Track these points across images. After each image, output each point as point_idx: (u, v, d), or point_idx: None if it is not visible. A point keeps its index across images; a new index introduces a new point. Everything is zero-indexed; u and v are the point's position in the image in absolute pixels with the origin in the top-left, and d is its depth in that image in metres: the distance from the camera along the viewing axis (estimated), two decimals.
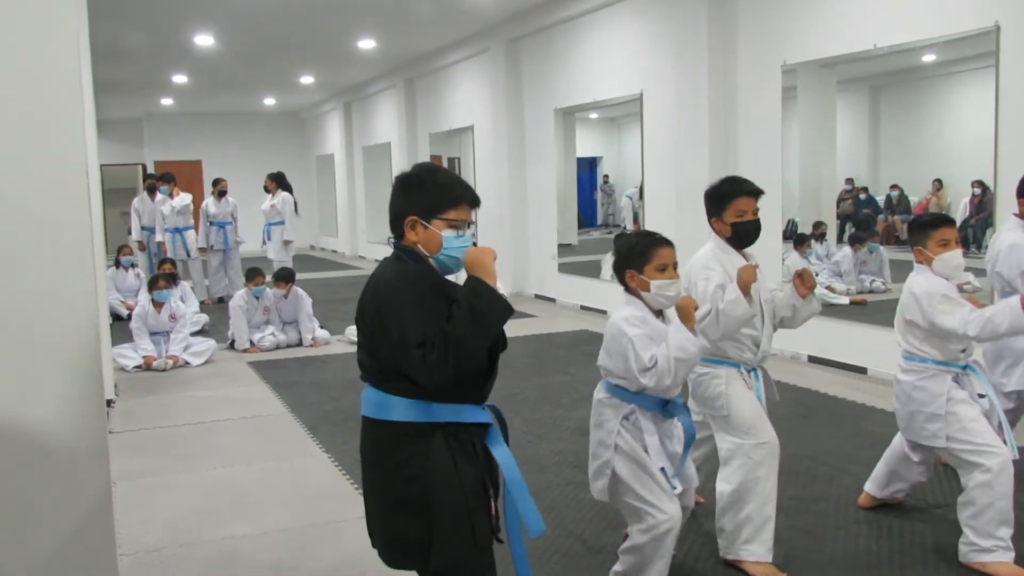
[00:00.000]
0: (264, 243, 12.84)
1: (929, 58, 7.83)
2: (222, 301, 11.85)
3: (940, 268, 3.78)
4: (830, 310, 8.08)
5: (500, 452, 2.53)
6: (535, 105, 12.24)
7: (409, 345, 2.36)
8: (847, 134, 9.75)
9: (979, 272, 5.24)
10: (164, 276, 9.15)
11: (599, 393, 3.41)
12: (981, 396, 3.98)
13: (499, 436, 2.56)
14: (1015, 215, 4.67)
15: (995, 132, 6.17)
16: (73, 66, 2.44)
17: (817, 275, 8.69)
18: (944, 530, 4.04)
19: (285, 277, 9.35)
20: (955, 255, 3.77)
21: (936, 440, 3.78)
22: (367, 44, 13.69)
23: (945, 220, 3.85)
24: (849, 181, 9.88)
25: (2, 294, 2.36)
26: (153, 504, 4.79)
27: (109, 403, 6.65)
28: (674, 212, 8.98)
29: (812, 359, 7.75)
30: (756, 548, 3.65)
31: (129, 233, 13.13)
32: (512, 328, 8.88)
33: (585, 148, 14.40)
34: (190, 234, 12.53)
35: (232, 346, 9.11)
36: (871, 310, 7.94)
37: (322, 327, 9.59)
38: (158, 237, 12.51)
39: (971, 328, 3.61)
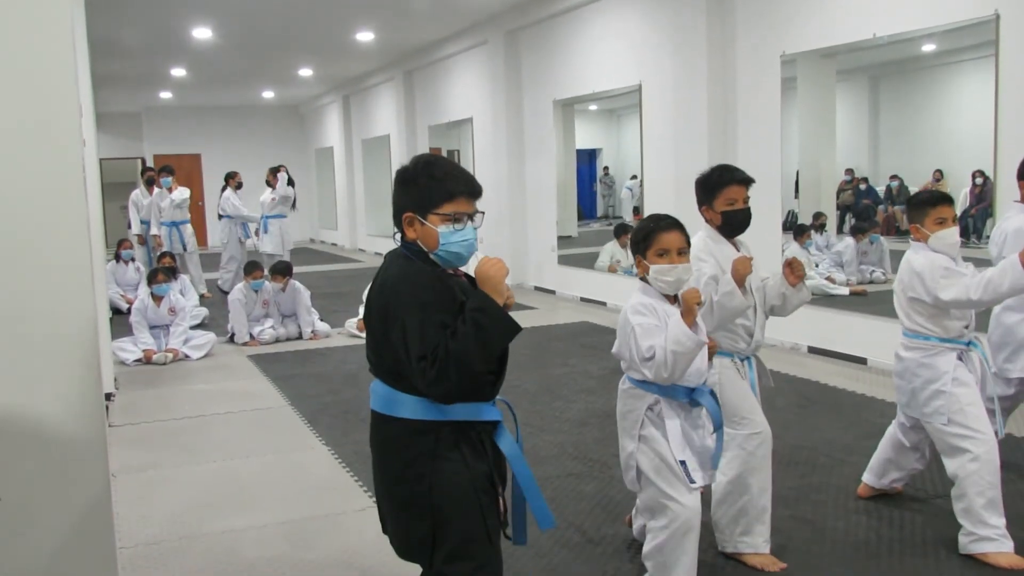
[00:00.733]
0: (259, 236, 12.86)
1: (929, 48, 7.81)
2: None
3: (936, 245, 3.77)
4: (830, 301, 8.08)
5: (509, 448, 2.50)
6: (534, 97, 12.22)
7: (411, 357, 2.34)
8: (847, 124, 9.73)
9: (980, 262, 5.23)
10: (163, 270, 9.14)
11: (624, 384, 3.36)
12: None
13: (506, 431, 2.53)
14: (1016, 201, 4.66)
15: (995, 122, 6.16)
16: (69, 60, 2.44)
17: (817, 266, 8.70)
18: (943, 520, 4.04)
19: (282, 270, 9.34)
20: (952, 232, 3.77)
21: (938, 417, 3.77)
22: (365, 36, 13.66)
23: (943, 198, 3.85)
24: (849, 172, 9.86)
25: (1, 288, 2.36)
26: (153, 497, 4.79)
27: (109, 396, 6.65)
28: (673, 203, 8.96)
29: (812, 350, 7.75)
30: (753, 539, 3.66)
31: (128, 227, 13.12)
32: None
33: (584, 140, 14.38)
34: (187, 228, 12.51)
35: (232, 339, 9.11)
36: (871, 301, 7.94)
37: (322, 319, 9.59)
38: (153, 230, 12.50)
39: (974, 292, 3.60)
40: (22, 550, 2.42)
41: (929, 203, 3.82)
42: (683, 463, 3.18)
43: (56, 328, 2.44)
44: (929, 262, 3.73)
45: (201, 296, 11.83)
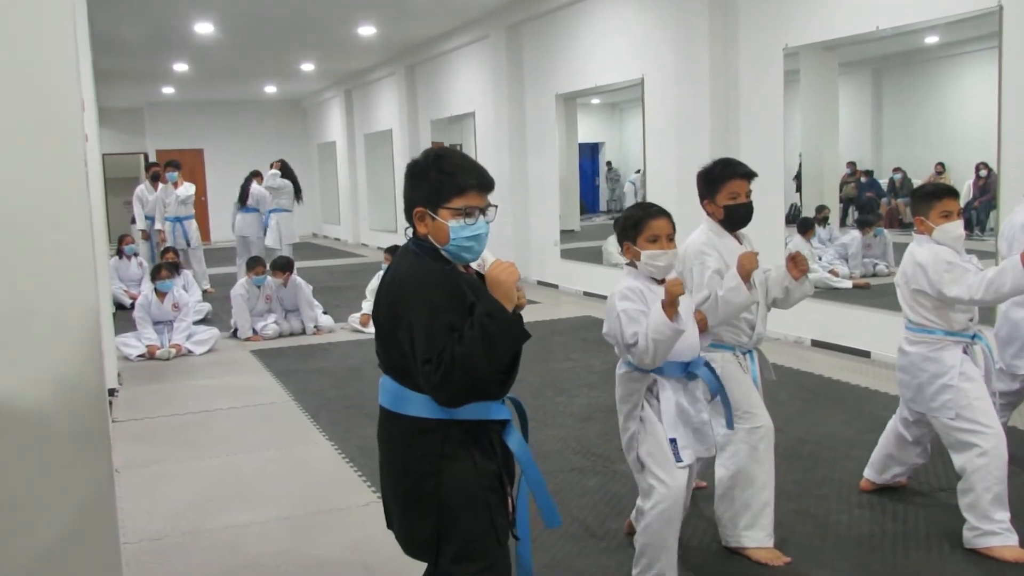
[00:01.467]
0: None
1: (932, 40, 7.79)
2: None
3: (941, 238, 3.76)
4: (833, 294, 8.07)
5: (518, 446, 2.48)
6: (536, 91, 12.20)
7: (416, 358, 2.32)
8: (849, 117, 9.71)
9: (983, 255, 5.23)
10: (167, 265, 9.14)
11: (620, 368, 3.40)
12: None
13: (515, 430, 2.50)
14: None
15: (998, 114, 6.14)
16: (71, 55, 2.43)
17: (820, 259, 8.69)
18: (947, 514, 4.04)
19: (282, 266, 9.31)
20: (956, 226, 3.75)
21: (946, 412, 3.76)
22: (367, 31, 13.64)
23: (948, 191, 3.83)
24: (851, 165, 9.85)
25: (2, 284, 2.36)
26: (156, 492, 4.80)
27: (113, 392, 6.66)
28: (675, 197, 8.94)
29: (815, 343, 7.74)
30: (756, 534, 3.66)
31: (133, 222, 13.11)
32: None
33: (587, 134, 14.36)
34: (191, 223, 12.51)
35: (235, 335, 9.12)
36: (874, 294, 7.93)
37: (325, 312, 9.60)
38: (157, 225, 12.50)
39: (975, 292, 3.59)
40: (26, 546, 2.42)
41: (935, 196, 3.81)
42: (673, 441, 3.24)
43: (59, 323, 2.44)
44: (933, 255, 3.72)
45: (204, 291, 11.84)
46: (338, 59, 16.91)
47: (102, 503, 2.54)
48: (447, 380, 2.28)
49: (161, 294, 8.61)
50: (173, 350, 8.37)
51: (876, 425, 5.01)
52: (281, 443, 5.65)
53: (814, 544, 3.83)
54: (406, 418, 2.43)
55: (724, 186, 3.68)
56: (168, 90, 20.07)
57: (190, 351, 8.49)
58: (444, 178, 2.42)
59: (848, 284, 8.30)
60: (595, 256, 11.36)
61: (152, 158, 21.41)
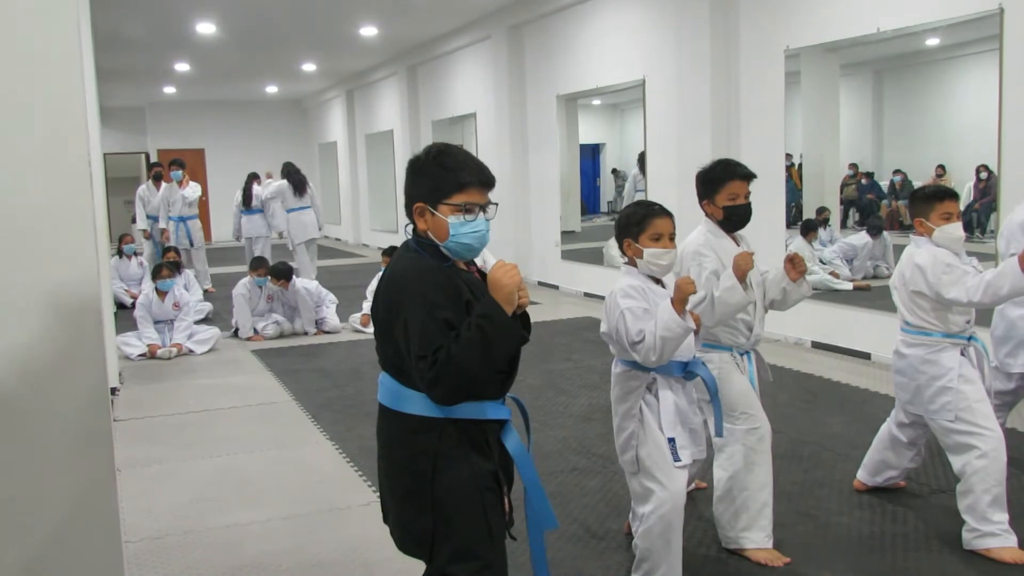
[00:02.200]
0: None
1: (933, 42, 7.80)
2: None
3: (941, 240, 3.77)
4: (834, 296, 8.08)
5: (515, 448, 2.47)
6: (537, 92, 12.21)
7: (411, 355, 2.33)
8: (850, 119, 9.72)
9: (984, 257, 5.23)
10: (168, 265, 9.15)
11: (617, 368, 3.40)
12: None
13: (513, 431, 2.49)
14: None
15: (999, 116, 6.14)
16: (74, 54, 2.44)
17: (821, 261, 8.69)
18: (946, 515, 4.05)
19: (280, 273, 9.19)
20: (956, 227, 3.76)
21: (945, 414, 3.76)
22: (369, 31, 13.65)
23: (949, 193, 3.83)
24: (852, 166, 9.86)
25: (4, 282, 2.37)
26: (157, 491, 4.81)
27: (114, 391, 6.67)
28: (676, 198, 8.95)
29: (815, 344, 7.75)
30: (755, 535, 3.67)
31: (133, 222, 13.14)
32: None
33: (588, 135, 14.37)
34: (195, 223, 12.53)
35: (236, 334, 9.12)
36: (875, 295, 7.93)
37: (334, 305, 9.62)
38: (161, 224, 12.52)
39: (974, 294, 3.59)
40: (28, 544, 2.43)
41: (935, 197, 3.81)
42: (672, 440, 3.24)
43: (61, 322, 2.44)
44: (932, 257, 3.72)
45: (205, 291, 11.85)
46: (340, 59, 16.92)
47: (103, 502, 2.54)
48: (442, 378, 2.28)
49: (162, 293, 8.62)
50: (174, 349, 8.38)
51: (876, 426, 5.01)
52: (282, 443, 5.66)
53: (814, 545, 3.84)
54: (403, 415, 2.43)
55: (724, 187, 3.69)
56: (170, 90, 20.08)
57: (191, 350, 8.49)
58: (445, 174, 2.41)
59: (848, 286, 8.30)
60: (596, 257, 11.37)
61: (153, 158, 21.44)
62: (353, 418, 6.04)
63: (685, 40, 8.85)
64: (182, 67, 16.62)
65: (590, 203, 15.29)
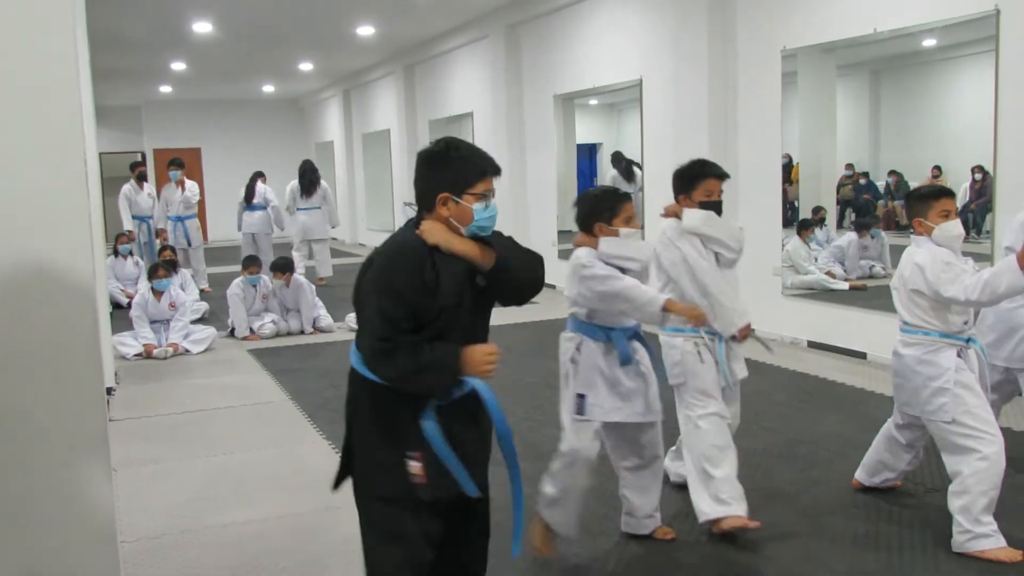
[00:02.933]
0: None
1: (929, 43, 7.81)
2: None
3: (940, 238, 3.78)
4: (830, 295, 8.09)
5: (430, 428, 2.54)
6: (534, 91, 12.21)
7: (365, 328, 2.57)
8: (847, 119, 9.73)
9: (980, 257, 5.25)
10: (164, 264, 9.14)
11: (564, 332, 3.82)
12: None
13: (430, 415, 2.56)
14: None
15: (995, 117, 6.15)
16: (71, 53, 2.44)
17: (816, 260, 8.71)
18: (942, 515, 4.05)
19: (280, 267, 9.28)
20: (956, 225, 3.78)
21: (942, 415, 3.75)
22: (366, 31, 13.64)
23: (945, 191, 3.87)
24: (849, 166, 9.86)
25: (1, 282, 2.37)
26: (154, 491, 4.81)
27: (110, 391, 6.66)
28: (673, 197, 8.98)
29: (812, 344, 7.75)
30: (717, 507, 3.78)
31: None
32: (513, 314, 8.79)
33: (585, 134, 14.36)
34: (193, 223, 12.53)
35: (232, 334, 9.12)
36: (871, 295, 7.94)
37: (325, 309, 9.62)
38: (159, 224, 12.52)
39: (972, 293, 3.60)
40: (25, 544, 2.43)
41: (932, 196, 3.84)
42: (582, 396, 3.64)
43: (57, 322, 2.44)
44: (932, 256, 3.73)
45: (201, 291, 11.84)
46: (336, 59, 16.91)
47: (100, 501, 2.54)
48: (377, 367, 2.53)
49: (158, 293, 8.61)
50: (170, 349, 8.37)
51: (872, 426, 5.02)
52: (278, 442, 5.66)
53: (810, 544, 3.85)
54: (367, 380, 2.60)
55: (701, 184, 3.99)
56: (166, 89, 20.05)
57: (187, 350, 8.49)
58: (466, 164, 2.61)
59: (844, 286, 8.31)
60: None
61: (150, 157, 21.41)
62: None
63: (682, 40, 8.85)
64: (178, 66, 16.60)
65: None
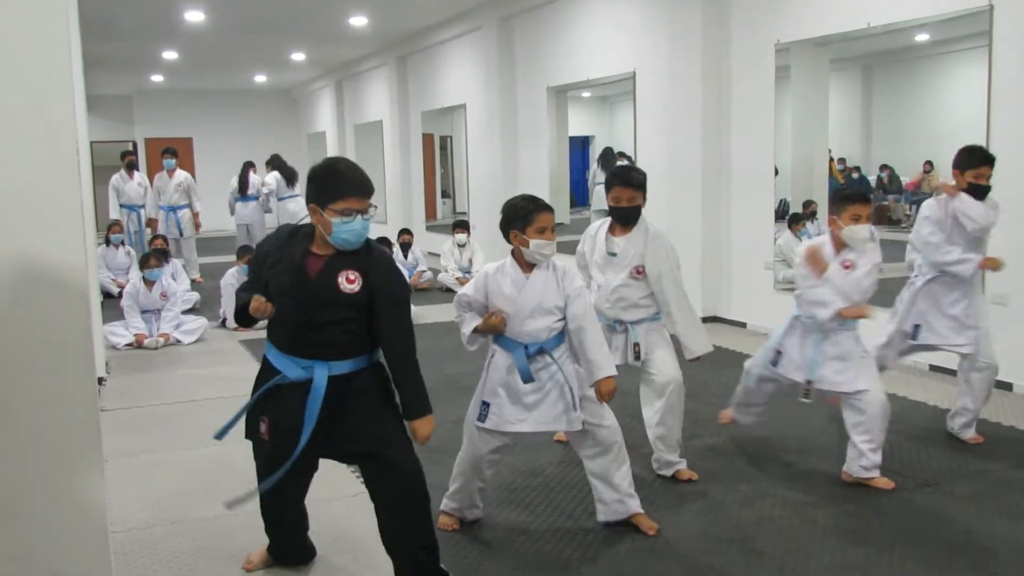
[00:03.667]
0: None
1: (922, 38, 7.83)
2: None
3: (848, 237, 4.26)
4: None
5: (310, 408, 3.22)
6: (528, 83, 12.19)
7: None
8: (839, 114, 9.75)
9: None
10: (155, 254, 9.11)
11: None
12: (932, 348, 4.84)
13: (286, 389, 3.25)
14: None
15: (987, 112, 6.17)
16: (62, 42, 2.42)
17: None
18: (930, 508, 4.09)
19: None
20: (863, 228, 4.21)
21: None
22: (359, 21, 13.60)
23: (862, 197, 4.28)
24: (841, 160, 9.89)
25: None
26: (145, 482, 4.80)
27: (100, 381, 6.64)
28: (665, 191, 8.98)
29: None
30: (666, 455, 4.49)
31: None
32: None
33: (577, 127, 14.36)
34: (185, 213, 12.50)
35: (223, 324, 9.10)
36: None
37: None
38: (151, 213, 12.49)
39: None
40: (16, 535, 2.43)
41: (848, 199, 4.27)
42: (487, 404, 3.77)
43: (49, 312, 2.43)
44: (807, 252, 4.45)
45: (193, 281, 11.81)
46: (329, 49, 16.86)
47: (91, 492, 2.54)
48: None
49: (149, 283, 8.58)
50: (161, 339, 8.35)
51: None
52: None
53: (800, 537, 3.86)
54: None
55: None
56: (157, 78, 19.97)
57: (178, 340, 8.47)
58: (329, 185, 3.10)
59: None
60: None
61: (141, 146, 21.33)
62: None
63: (676, 33, 8.85)
64: (170, 55, 16.53)
65: (579, 196, 15.29)
